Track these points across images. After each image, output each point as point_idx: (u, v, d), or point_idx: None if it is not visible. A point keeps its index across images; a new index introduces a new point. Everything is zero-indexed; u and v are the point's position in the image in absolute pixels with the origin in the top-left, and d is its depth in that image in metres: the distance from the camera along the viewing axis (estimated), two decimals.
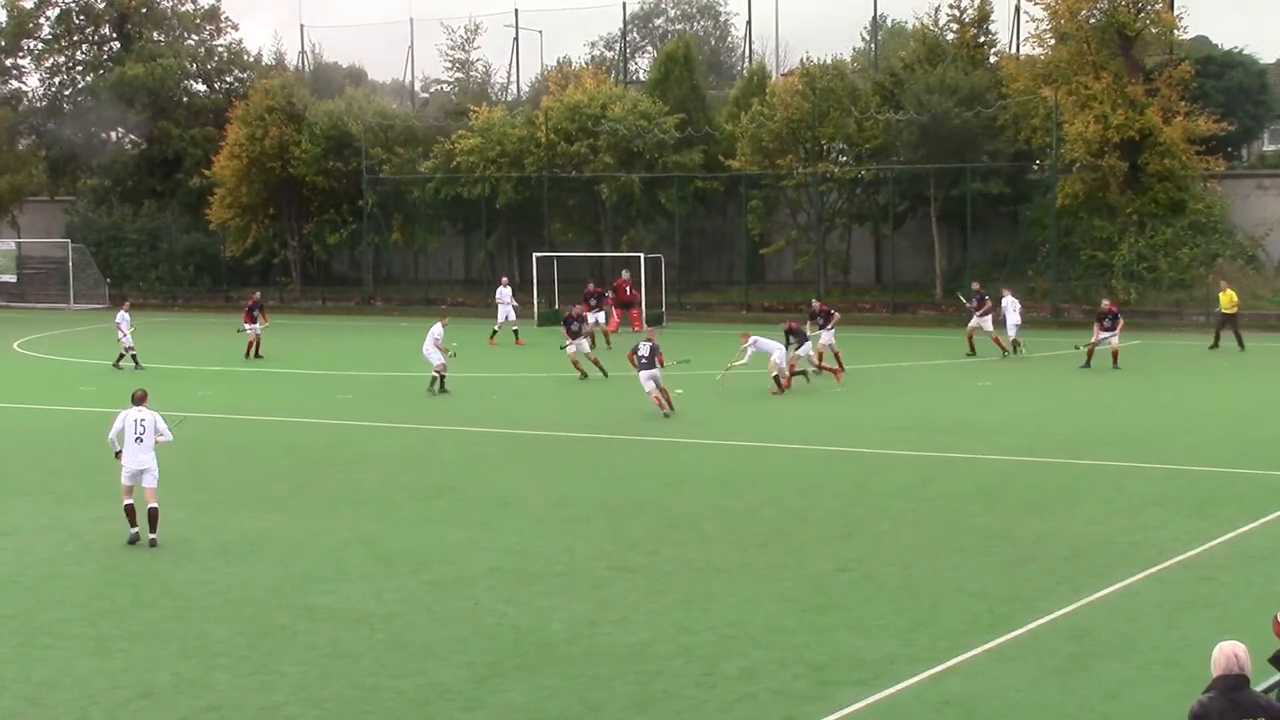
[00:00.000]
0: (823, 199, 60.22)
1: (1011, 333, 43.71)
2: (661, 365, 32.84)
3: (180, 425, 22.25)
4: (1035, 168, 58.83)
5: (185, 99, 76.22)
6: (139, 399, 21.05)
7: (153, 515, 20.36)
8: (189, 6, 79.51)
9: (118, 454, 20.71)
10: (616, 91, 64.65)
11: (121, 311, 43.07)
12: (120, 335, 42.22)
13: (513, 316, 50.49)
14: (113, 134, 79.16)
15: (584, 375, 39.14)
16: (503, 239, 67.05)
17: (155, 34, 78.79)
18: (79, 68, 79.67)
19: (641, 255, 57.58)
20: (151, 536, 20.29)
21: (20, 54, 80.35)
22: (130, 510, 20.52)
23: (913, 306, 58.14)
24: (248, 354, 44.68)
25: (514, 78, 75.03)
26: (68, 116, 78.26)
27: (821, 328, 39.98)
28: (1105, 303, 42.24)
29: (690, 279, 63.98)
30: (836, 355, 39.47)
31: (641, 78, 75.14)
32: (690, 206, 62.96)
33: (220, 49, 79.77)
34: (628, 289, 55.07)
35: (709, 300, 62.99)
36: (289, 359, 45.67)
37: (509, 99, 72.67)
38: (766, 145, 58.96)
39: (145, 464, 20.52)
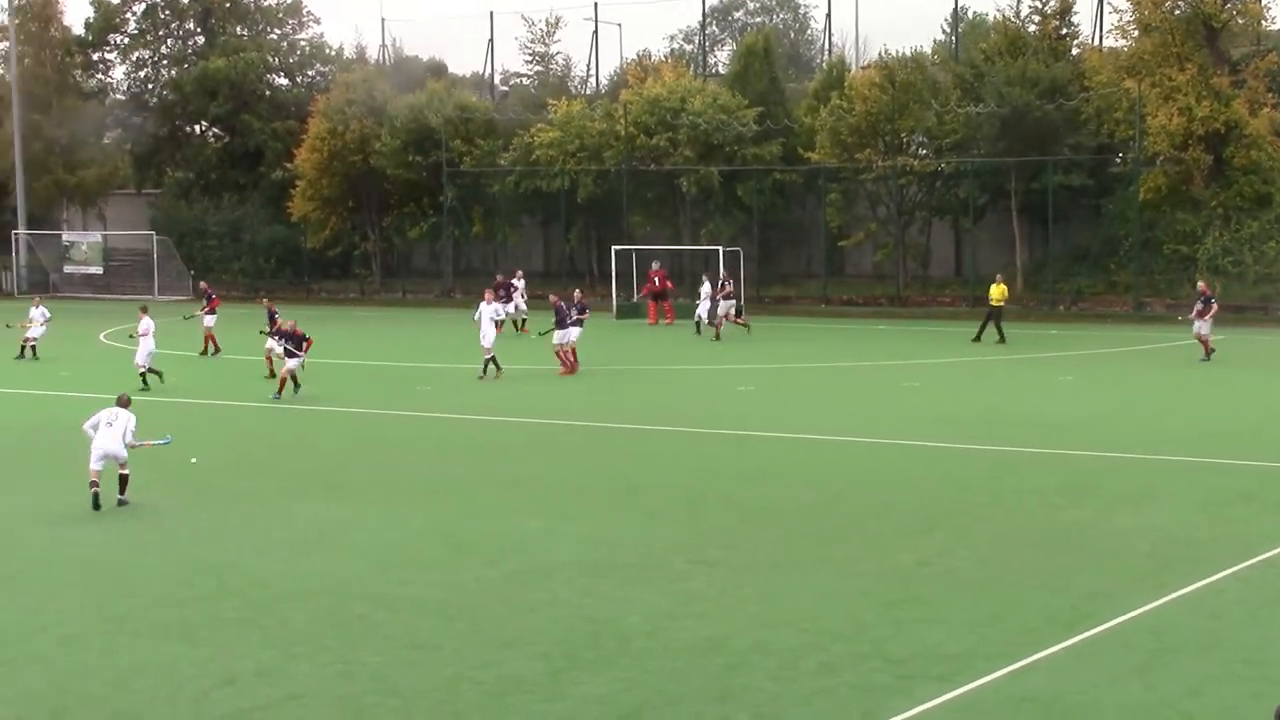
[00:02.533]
0: (902, 192, 59.96)
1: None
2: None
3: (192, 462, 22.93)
4: (1118, 161, 58.28)
5: (267, 93, 76.92)
6: (124, 402, 22.87)
7: (123, 480, 22.18)
8: (272, 1, 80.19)
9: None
10: (696, 85, 64.61)
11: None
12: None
13: (523, 306, 50.90)
14: (196, 127, 79.96)
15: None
16: (582, 232, 67.18)
17: (238, 28, 79.56)
18: (164, 62, 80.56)
19: (720, 248, 57.53)
20: (120, 498, 22.11)
21: (107, 48, 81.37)
22: (95, 481, 21.97)
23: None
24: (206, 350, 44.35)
25: (593, 71, 75.17)
26: (153, 110, 79.14)
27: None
28: (1201, 284, 41.82)
29: (768, 272, 63.85)
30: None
31: (721, 71, 75.08)
32: (769, 199, 62.83)
33: (302, 43, 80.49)
34: (657, 280, 55.19)
35: (787, 293, 62.85)
36: (369, 351, 45.95)
37: (588, 92, 72.77)
38: (845, 138, 58.75)
39: (114, 450, 22.08)
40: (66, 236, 77.62)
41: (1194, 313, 40.34)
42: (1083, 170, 56.29)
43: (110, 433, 22.11)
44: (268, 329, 38.17)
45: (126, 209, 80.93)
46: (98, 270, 74.60)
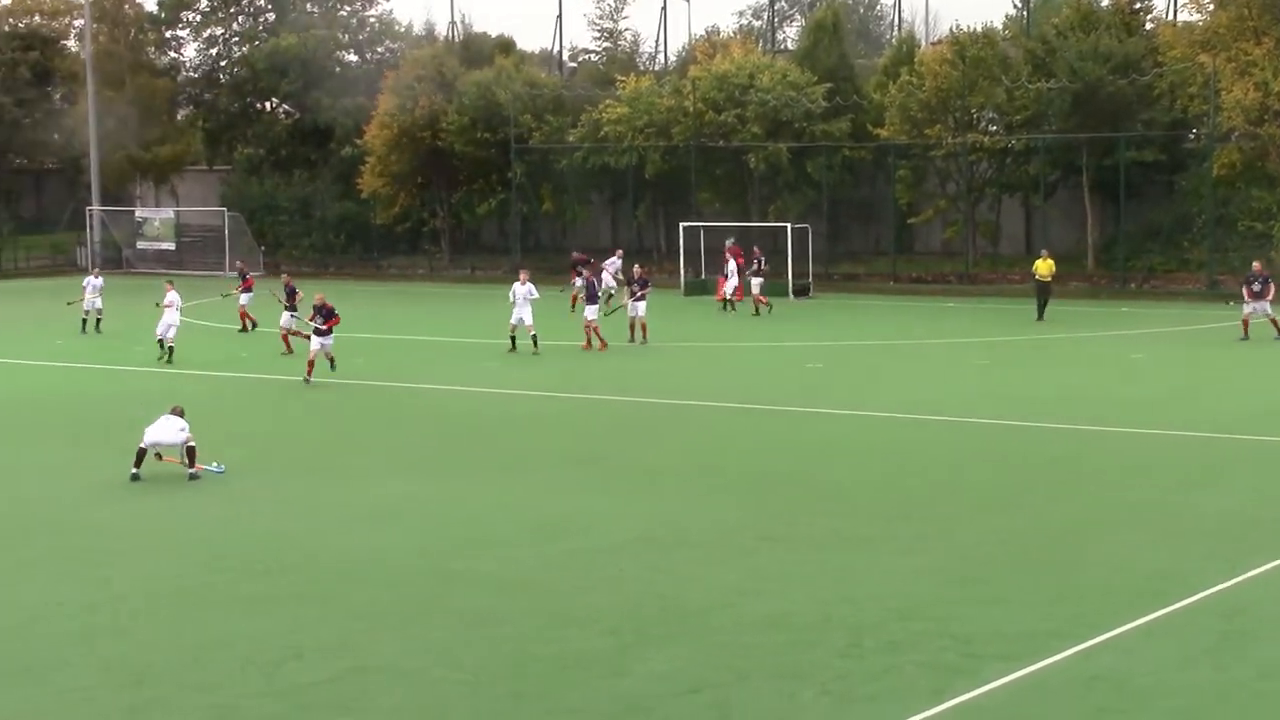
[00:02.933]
0: (972, 168, 59.53)
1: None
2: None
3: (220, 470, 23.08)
4: (1192, 136, 57.62)
5: (337, 69, 77.21)
6: (178, 413, 22.90)
7: (191, 453, 22.52)
8: None
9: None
10: (765, 61, 64.34)
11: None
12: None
13: (611, 284, 51.11)
14: (267, 104, 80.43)
15: (633, 339, 40.12)
16: (650, 209, 67.14)
17: (309, 5, 79.92)
18: (235, 39, 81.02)
19: (789, 225, 57.32)
20: (191, 471, 22.45)
21: (180, 26, 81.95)
22: (142, 454, 22.44)
23: (1063, 277, 57.14)
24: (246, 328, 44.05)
25: (662, 47, 75.02)
26: (224, 87, 79.66)
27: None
28: (1256, 264, 41.32)
29: (837, 249, 63.58)
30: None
31: (790, 47, 74.75)
32: (838, 176, 62.52)
33: (372, 20, 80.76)
34: (731, 257, 55.01)
35: (856, 271, 62.57)
36: (438, 327, 46.14)
37: (657, 68, 72.62)
38: (915, 114, 58.36)
39: (168, 439, 22.49)
40: (139, 213, 78.20)
41: (1248, 294, 39.75)
42: (1156, 146, 55.69)
43: (168, 425, 22.54)
44: (285, 303, 38.92)
45: (198, 185, 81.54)
46: (170, 246, 75.12)
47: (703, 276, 57.36)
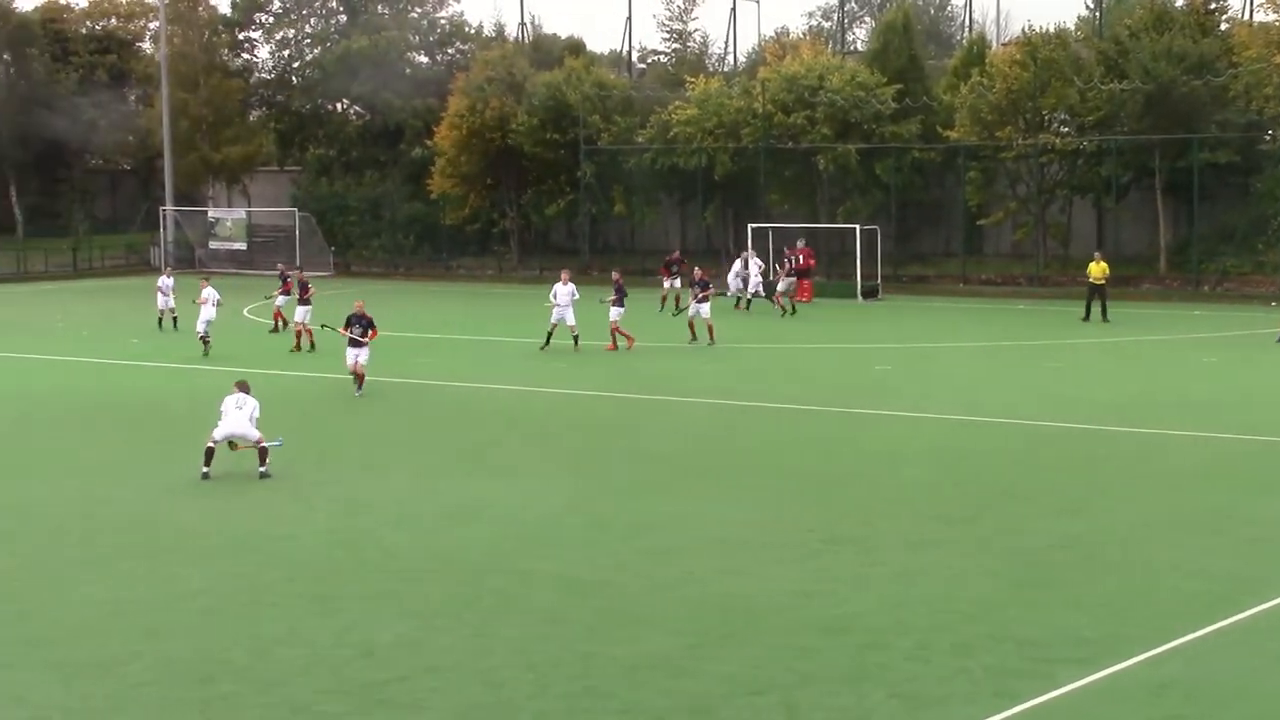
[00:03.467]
0: (1043, 170, 59.18)
1: None
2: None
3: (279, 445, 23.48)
4: (1267, 138, 57.02)
5: (408, 71, 77.63)
6: (244, 387, 23.44)
7: (262, 452, 22.78)
8: None
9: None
10: (834, 62, 64.19)
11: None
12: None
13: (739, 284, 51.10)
14: (338, 105, 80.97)
15: (695, 338, 40.26)
16: (718, 210, 67.11)
17: (380, 7, 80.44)
18: (307, 41, 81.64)
19: (857, 227, 57.17)
20: (261, 470, 22.72)
21: (253, 27, 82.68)
22: (211, 452, 22.70)
23: (1135, 280, 56.78)
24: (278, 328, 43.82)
25: (731, 48, 74.99)
26: (296, 88, 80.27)
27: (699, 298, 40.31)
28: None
29: (906, 251, 63.34)
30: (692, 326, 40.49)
31: (860, 48, 74.57)
32: (907, 178, 62.27)
33: (442, 21, 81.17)
34: (800, 258, 54.98)
35: (925, 273, 62.34)
36: (506, 328, 46.27)
37: (726, 70, 72.56)
38: (986, 116, 58.07)
39: (243, 432, 22.81)
40: (212, 213, 78.93)
41: None
42: (1230, 148, 55.17)
43: (239, 415, 22.83)
44: (297, 296, 40.65)
45: (269, 185, 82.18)
46: (242, 246, 75.75)
47: (771, 278, 57.27)
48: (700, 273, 42.63)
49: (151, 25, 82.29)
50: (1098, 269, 46.09)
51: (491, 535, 19.36)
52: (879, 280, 57.33)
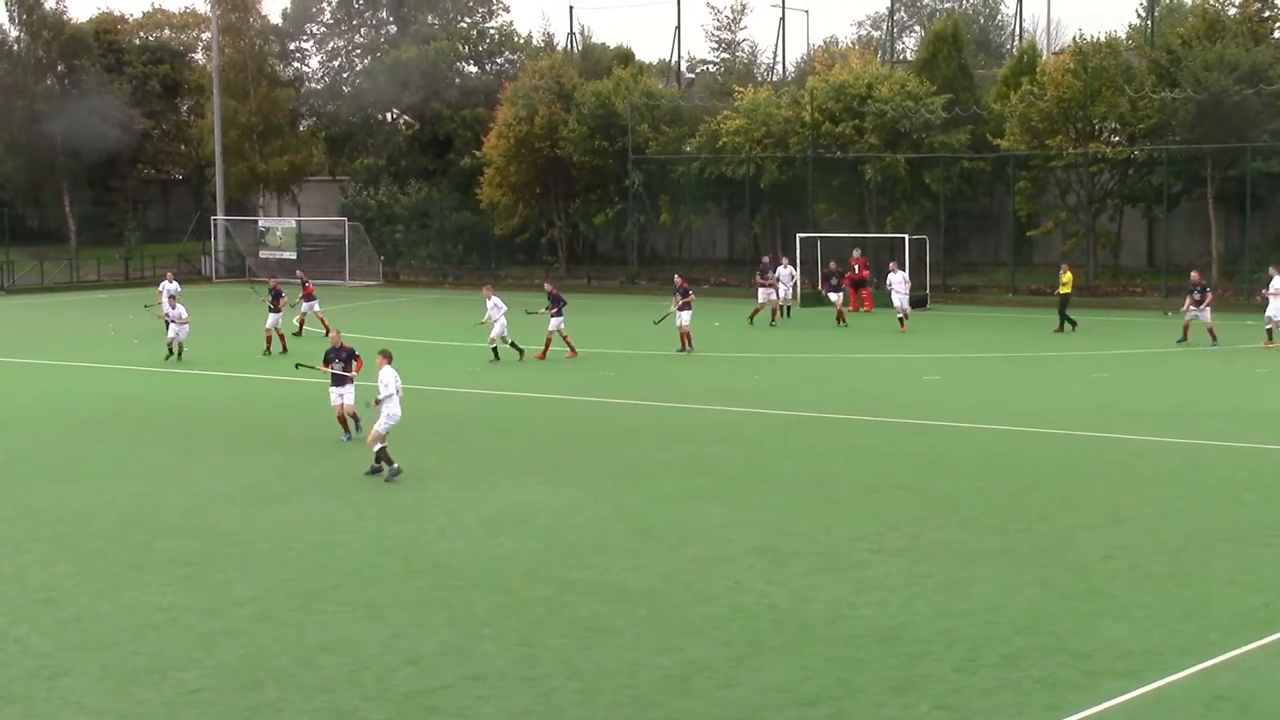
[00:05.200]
0: (1093, 180, 58.89)
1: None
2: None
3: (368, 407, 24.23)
4: None
5: (457, 80, 77.92)
6: (389, 356, 23.95)
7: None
8: None
9: (378, 401, 23.54)
10: (883, 71, 64.08)
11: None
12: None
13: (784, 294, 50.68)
14: (387, 115, 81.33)
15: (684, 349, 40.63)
16: (766, 219, 67.06)
17: (430, 17, 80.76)
18: (357, 50, 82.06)
19: (906, 236, 57.02)
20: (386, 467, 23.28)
21: (303, 37, 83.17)
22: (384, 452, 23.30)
23: (1187, 290, 56.31)
24: (271, 343, 42.37)
25: (780, 58, 74.91)
26: (346, 98, 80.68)
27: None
28: (1194, 275, 43.06)
29: (955, 261, 63.14)
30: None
31: (909, 57, 74.37)
32: (956, 187, 62.06)
33: (491, 31, 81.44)
34: (857, 268, 54.80)
35: (974, 282, 62.10)
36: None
37: (774, 79, 72.50)
38: (1036, 125, 57.84)
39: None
40: (262, 222, 79.39)
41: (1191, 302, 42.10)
42: None
43: (388, 374, 23.54)
44: (270, 305, 42.13)
45: (318, 194, 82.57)
46: (291, 255, 76.14)
47: (818, 288, 57.18)
48: (681, 279, 42.72)
49: (203, 36, 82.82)
50: (1066, 277, 46.36)
51: (537, 543, 19.36)
52: (928, 290, 57.12)
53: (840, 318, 48.92)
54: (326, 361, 26.97)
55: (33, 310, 60.35)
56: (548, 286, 42.19)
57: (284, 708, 13.44)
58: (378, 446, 23.41)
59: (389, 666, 14.45)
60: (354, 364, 26.72)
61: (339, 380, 26.77)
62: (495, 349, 39.02)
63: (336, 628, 15.73)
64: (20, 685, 14.13)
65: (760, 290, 50.34)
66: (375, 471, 23.46)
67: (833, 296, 50.11)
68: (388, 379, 23.59)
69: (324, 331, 44.02)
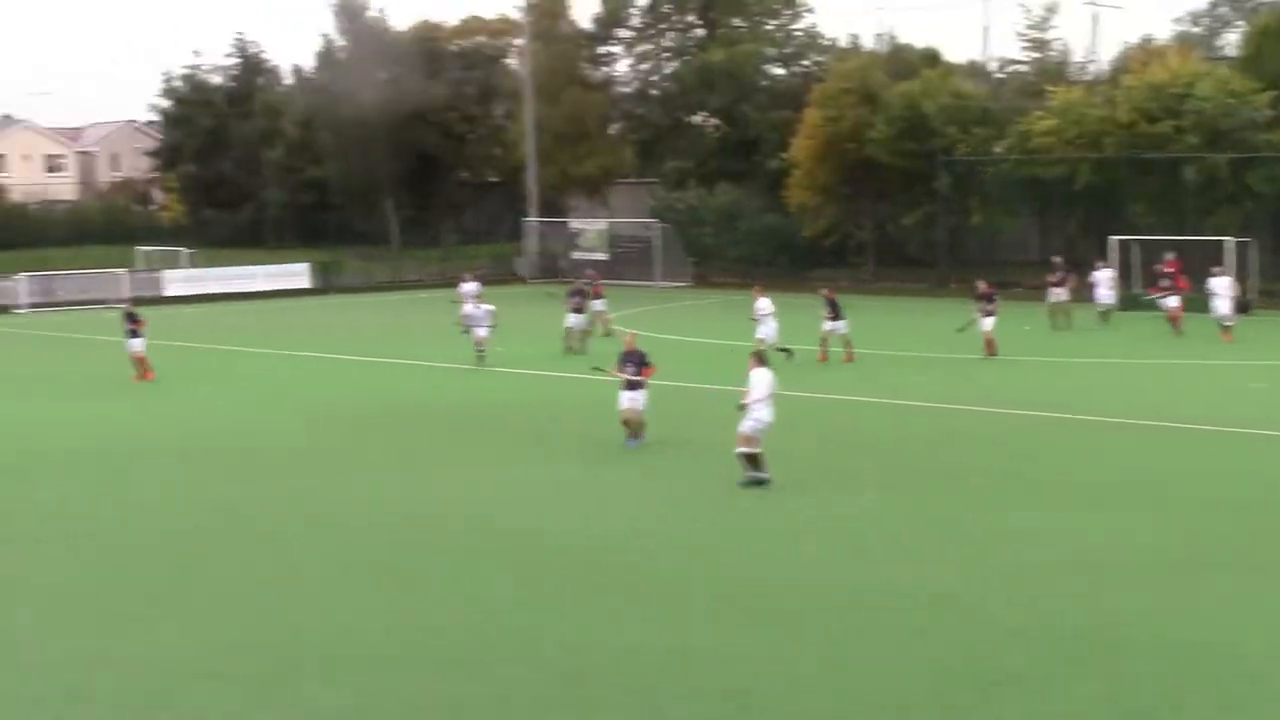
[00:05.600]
0: None
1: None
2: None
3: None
4: None
5: (764, 83, 78.12)
6: (763, 360, 23.39)
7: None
8: None
9: (743, 406, 22.91)
10: (1203, 68, 62.01)
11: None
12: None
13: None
14: (695, 117, 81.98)
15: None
16: (1080, 221, 65.55)
17: (736, 20, 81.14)
18: (665, 54, 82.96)
19: (1228, 239, 55.07)
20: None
21: (613, 42, 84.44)
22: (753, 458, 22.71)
23: None
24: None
25: (1093, 56, 73.13)
26: (654, 101, 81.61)
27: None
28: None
29: None
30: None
31: (1231, 53, 71.86)
32: None
33: (798, 33, 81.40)
34: (1168, 272, 52.84)
35: None
36: (864, 339, 46.04)
37: (1087, 78, 70.82)
38: None
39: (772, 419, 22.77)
40: (574, 224, 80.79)
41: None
42: None
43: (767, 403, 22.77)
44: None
45: (628, 196, 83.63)
46: (604, 256, 77.20)
47: (1135, 291, 55.64)
48: (986, 286, 41.83)
49: (517, 41, 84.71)
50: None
51: (847, 548, 19.32)
52: (1251, 295, 55.02)
53: (1175, 321, 46.92)
54: (620, 365, 26.85)
55: (359, 309, 62.70)
56: (824, 292, 41.91)
57: (597, 703, 13.76)
58: (744, 450, 22.82)
59: (694, 667, 14.60)
60: (645, 369, 26.46)
61: (632, 385, 26.42)
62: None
63: (650, 633, 15.98)
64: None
65: (1052, 291, 49.21)
66: (758, 482, 22.77)
67: (1170, 302, 47.79)
68: (757, 381, 22.97)
69: (602, 332, 44.65)
